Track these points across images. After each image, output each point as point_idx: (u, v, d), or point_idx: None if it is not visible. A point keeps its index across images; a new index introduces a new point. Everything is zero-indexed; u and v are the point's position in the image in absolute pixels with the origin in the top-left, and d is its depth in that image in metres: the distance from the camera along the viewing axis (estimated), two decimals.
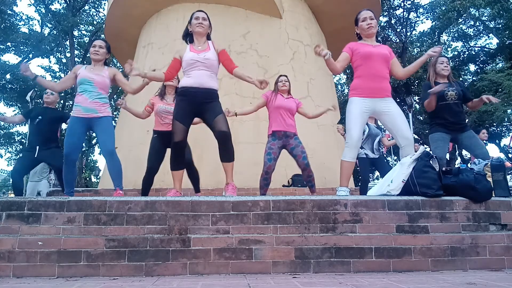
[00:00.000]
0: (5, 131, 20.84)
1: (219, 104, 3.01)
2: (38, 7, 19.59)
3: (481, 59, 19.64)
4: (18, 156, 19.97)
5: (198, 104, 2.95)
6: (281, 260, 2.15)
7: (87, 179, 22.47)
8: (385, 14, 17.45)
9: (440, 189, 2.40)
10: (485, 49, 19.92)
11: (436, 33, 19.16)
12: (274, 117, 3.82)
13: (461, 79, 18.41)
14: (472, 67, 20.02)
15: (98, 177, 21.39)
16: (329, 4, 8.15)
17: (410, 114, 13.69)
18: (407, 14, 19.35)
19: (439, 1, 18.20)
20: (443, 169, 2.61)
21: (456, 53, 20.20)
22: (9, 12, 18.55)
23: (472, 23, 19.35)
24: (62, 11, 19.26)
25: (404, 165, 2.58)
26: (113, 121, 3.40)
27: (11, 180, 4.39)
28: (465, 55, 19.84)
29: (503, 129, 17.13)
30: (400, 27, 19.62)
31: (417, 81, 17.49)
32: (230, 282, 1.86)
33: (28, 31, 19.94)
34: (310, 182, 3.74)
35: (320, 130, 7.26)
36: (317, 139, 7.01)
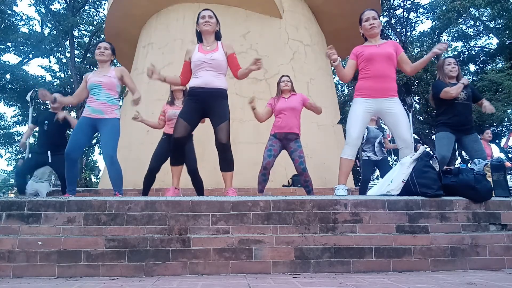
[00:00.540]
0: (5, 131, 20.85)
1: (226, 106, 3.00)
2: (38, 7, 19.59)
3: (481, 59, 19.64)
4: (20, 156, 20.01)
5: (205, 104, 2.95)
6: (281, 260, 2.15)
7: (87, 179, 22.46)
8: (385, 14, 17.46)
9: (440, 189, 2.40)
10: (485, 49, 19.93)
11: (436, 33, 19.15)
12: (277, 119, 3.87)
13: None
14: (472, 67, 20.03)
15: (98, 177, 21.38)
16: (329, 4, 8.14)
17: (410, 114, 13.67)
18: (407, 14, 19.36)
19: (439, 1, 18.19)
20: (443, 168, 2.62)
21: (456, 53, 20.19)
22: (9, 12, 18.55)
23: (472, 23, 19.35)
24: (62, 11, 19.26)
25: (404, 165, 2.59)
26: (119, 123, 3.39)
27: (15, 179, 4.42)
28: (465, 55, 19.84)
29: (503, 129, 17.13)
30: (400, 27, 19.63)
31: (417, 81, 17.49)
32: (230, 282, 1.86)
33: (28, 31, 19.95)
34: (307, 187, 3.76)
35: (320, 130, 7.26)
36: (317, 139, 7.01)
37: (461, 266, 2.20)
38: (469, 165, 2.93)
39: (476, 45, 20.09)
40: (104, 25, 9.77)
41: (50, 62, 21.58)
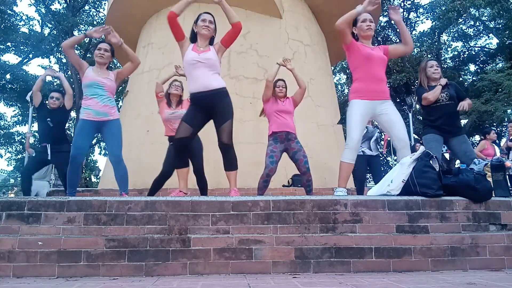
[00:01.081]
0: (5, 131, 20.85)
1: (229, 105, 2.99)
2: (38, 7, 19.59)
3: (481, 59, 19.64)
4: (20, 156, 20.01)
5: (208, 107, 2.96)
6: (281, 260, 2.15)
7: (87, 179, 22.46)
8: (385, 14, 17.43)
9: (440, 189, 2.40)
10: (485, 49, 19.92)
11: (436, 33, 19.14)
12: (274, 119, 3.89)
13: (461, 79, 18.42)
14: (472, 67, 20.03)
15: (98, 177, 21.38)
16: (329, 4, 8.15)
17: (410, 114, 13.67)
18: (407, 14, 19.34)
19: (439, 1, 18.18)
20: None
21: (456, 53, 20.20)
22: (9, 12, 18.55)
23: (472, 23, 19.34)
24: (62, 11, 19.25)
25: (404, 165, 2.59)
26: (121, 125, 3.43)
27: (21, 179, 4.40)
28: (465, 55, 19.84)
29: (503, 129, 17.12)
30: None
31: (417, 81, 17.46)
32: (230, 282, 1.86)
33: (28, 31, 19.94)
34: (308, 186, 3.79)
35: (320, 130, 7.26)
36: (317, 139, 7.01)
37: (461, 266, 2.20)
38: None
39: (476, 45, 20.10)
40: (104, 25, 9.76)
41: (50, 62, 21.59)
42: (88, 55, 18.79)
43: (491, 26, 18.42)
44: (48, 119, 4.16)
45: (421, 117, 18.99)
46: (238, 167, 3.04)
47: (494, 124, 16.16)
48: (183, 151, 3.01)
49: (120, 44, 3.34)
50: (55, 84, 19.07)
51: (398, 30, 3.18)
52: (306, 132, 6.79)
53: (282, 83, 4.02)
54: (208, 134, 3.21)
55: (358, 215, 2.26)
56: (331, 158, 6.71)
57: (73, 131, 19.13)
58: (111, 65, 3.61)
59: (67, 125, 4.54)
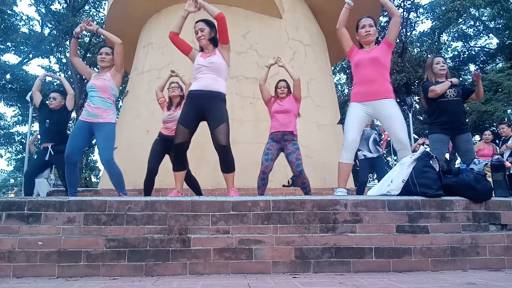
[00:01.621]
0: (5, 131, 20.85)
1: (224, 109, 3.02)
2: (38, 7, 19.59)
3: (481, 59, 19.65)
4: (20, 156, 20.00)
5: (202, 107, 2.98)
6: (281, 260, 2.14)
7: (87, 179, 22.46)
8: (385, 14, 17.42)
9: (440, 189, 2.40)
10: (485, 49, 19.94)
11: (436, 33, 19.16)
12: (272, 120, 3.95)
13: (461, 79, 18.41)
14: (472, 67, 20.03)
15: (98, 177, 21.38)
16: (329, 4, 8.14)
17: (410, 114, 13.66)
18: (407, 14, 19.34)
19: (439, 1, 18.19)
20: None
21: (456, 53, 20.21)
22: (9, 12, 18.56)
23: (472, 23, 19.36)
24: (62, 11, 19.25)
25: (404, 165, 2.59)
26: (115, 127, 3.44)
27: (24, 182, 4.39)
28: (465, 55, 19.85)
29: (499, 130, 17.13)
30: (400, 27, 19.62)
31: (417, 81, 17.49)
32: (230, 282, 1.86)
33: (28, 31, 19.96)
34: (304, 189, 3.78)
35: (320, 130, 7.26)
36: (317, 139, 7.01)
37: (461, 266, 2.20)
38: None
39: (476, 45, 20.12)
40: (104, 25, 9.77)
41: (50, 62, 21.62)
42: (88, 55, 18.80)
43: (491, 26, 18.43)
44: (47, 120, 4.16)
45: (421, 117, 19.01)
46: (235, 169, 3.05)
47: (494, 124, 16.16)
48: (182, 156, 3.05)
49: (97, 30, 3.41)
50: (55, 84, 19.08)
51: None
52: (306, 132, 6.79)
53: (284, 84, 4.01)
54: (208, 134, 3.21)
55: (358, 215, 2.26)
56: (331, 158, 6.71)
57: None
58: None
59: (68, 125, 4.52)
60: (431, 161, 2.51)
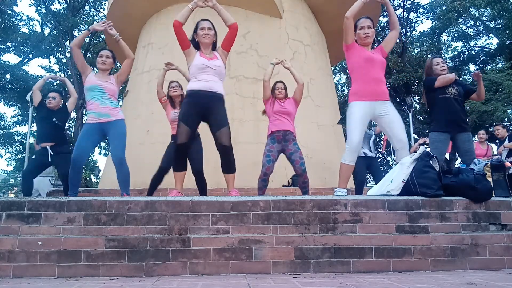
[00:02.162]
0: (5, 131, 20.85)
1: (224, 111, 3.04)
2: (38, 7, 19.59)
3: (481, 59, 19.65)
4: (20, 156, 19.99)
5: (204, 107, 2.98)
6: (281, 260, 2.14)
7: (87, 179, 22.45)
8: (385, 14, 17.42)
9: (440, 189, 2.40)
10: (485, 49, 19.94)
11: (436, 33, 19.16)
12: (272, 120, 3.93)
13: (461, 79, 18.42)
14: (472, 67, 20.02)
15: (98, 177, 21.37)
16: (329, 4, 8.14)
17: (410, 114, 13.66)
18: (407, 14, 19.34)
19: (439, 1, 18.20)
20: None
21: (456, 53, 20.21)
22: (9, 12, 18.56)
23: (472, 23, 19.36)
24: (62, 11, 19.25)
25: (404, 165, 2.59)
26: (125, 123, 3.45)
27: (22, 182, 4.37)
28: (465, 55, 19.85)
29: (494, 132, 17.14)
30: (400, 27, 19.61)
31: (417, 81, 17.49)
32: (230, 282, 1.86)
33: (28, 31, 19.95)
34: (304, 188, 3.80)
35: (320, 130, 7.26)
36: (317, 139, 7.01)
37: (461, 266, 2.20)
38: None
39: (476, 45, 20.12)
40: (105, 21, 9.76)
41: (50, 62, 21.61)
42: (88, 55, 18.80)
43: (491, 26, 18.44)
44: (46, 120, 4.14)
45: (421, 117, 19.01)
46: (236, 170, 3.05)
47: (494, 124, 16.16)
48: (183, 155, 3.04)
49: (117, 40, 3.41)
50: (55, 84, 19.09)
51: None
52: (306, 132, 6.78)
53: (281, 85, 4.03)
54: (208, 134, 3.21)
55: (358, 215, 2.26)
56: (331, 158, 6.71)
57: (72, 131, 19.14)
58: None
59: (66, 125, 4.51)
60: (431, 161, 2.51)
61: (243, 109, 6.71)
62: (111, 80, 3.45)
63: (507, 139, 5.99)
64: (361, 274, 2.08)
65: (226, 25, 3.02)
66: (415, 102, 18.10)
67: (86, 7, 20.47)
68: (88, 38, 19.94)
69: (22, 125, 20.94)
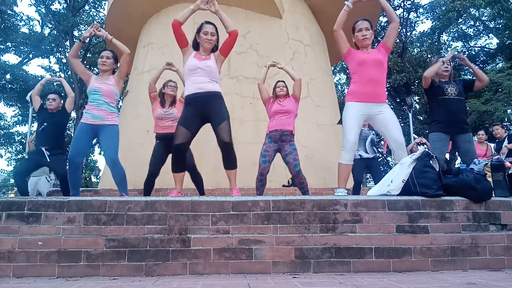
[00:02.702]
0: (5, 131, 20.84)
1: (224, 107, 3.04)
2: (38, 7, 19.59)
3: (481, 59, 19.65)
4: (20, 156, 19.98)
5: (203, 108, 2.99)
6: (281, 260, 2.14)
7: (87, 179, 22.44)
8: (385, 14, 17.46)
9: (440, 189, 2.40)
10: (485, 49, 19.94)
11: (436, 33, 19.15)
12: (271, 119, 3.97)
13: (461, 78, 18.39)
14: None
15: (98, 177, 21.37)
16: (329, 4, 8.14)
17: (410, 114, 13.66)
18: (407, 14, 19.34)
19: (439, 1, 18.20)
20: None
21: (456, 53, 20.17)
22: (9, 12, 18.55)
23: (472, 23, 19.36)
24: (62, 11, 19.25)
25: (404, 165, 2.59)
26: (118, 129, 3.49)
27: (14, 181, 4.36)
28: (465, 55, 19.82)
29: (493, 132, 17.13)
30: (400, 27, 19.60)
31: (417, 81, 17.49)
32: (230, 282, 1.86)
33: (28, 31, 19.95)
34: (302, 189, 3.81)
35: (320, 130, 7.26)
36: (317, 139, 7.01)
37: (461, 266, 2.20)
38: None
39: (476, 45, 20.12)
40: (104, 25, 9.76)
41: (50, 62, 21.60)
42: (88, 55, 18.80)
43: (491, 26, 18.43)
44: (46, 122, 4.14)
45: (421, 117, 19.01)
46: (237, 166, 3.06)
47: (494, 124, 16.15)
48: (181, 156, 3.03)
49: (110, 39, 3.43)
50: (55, 84, 19.09)
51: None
52: (306, 132, 6.78)
53: (282, 83, 4.08)
54: (208, 134, 3.21)
55: (358, 215, 2.26)
56: (331, 158, 6.71)
57: (73, 131, 19.13)
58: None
59: (66, 127, 4.51)
60: (431, 161, 2.51)
61: (243, 109, 6.71)
62: (109, 81, 3.45)
63: (506, 139, 5.99)
64: (361, 274, 2.08)
65: (227, 31, 3.03)
66: (415, 102, 18.11)
67: (86, 7, 20.47)
68: (88, 39, 19.96)
69: (22, 125, 20.94)
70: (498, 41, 18.09)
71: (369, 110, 3.04)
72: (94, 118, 3.34)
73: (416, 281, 1.82)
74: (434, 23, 19.02)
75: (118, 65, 3.61)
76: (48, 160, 4.04)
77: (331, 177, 6.13)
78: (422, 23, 42.66)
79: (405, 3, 19.08)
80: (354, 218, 2.26)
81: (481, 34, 19.68)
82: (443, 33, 19.72)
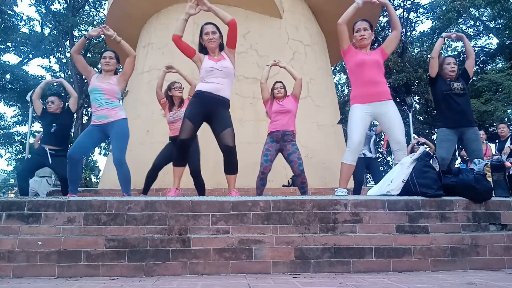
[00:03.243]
0: (5, 131, 20.84)
1: (229, 115, 3.07)
2: (38, 7, 19.58)
3: (481, 59, 19.63)
4: (20, 156, 19.98)
5: (210, 109, 3.02)
6: (281, 260, 2.14)
7: (87, 179, 22.44)
8: (385, 14, 17.43)
9: (440, 189, 2.40)
10: (485, 49, 19.92)
11: (436, 33, 19.13)
12: (272, 120, 3.97)
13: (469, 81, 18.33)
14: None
15: (98, 177, 21.36)
16: (329, 4, 8.14)
17: (410, 114, 13.63)
18: (407, 14, 19.33)
19: (439, 1, 18.18)
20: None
21: (456, 53, 20.18)
22: (9, 12, 18.55)
23: (472, 23, 19.34)
24: (62, 11, 19.25)
25: (404, 165, 2.59)
26: (127, 122, 3.50)
27: (17, 179, 4.36)
28: (465, 55, 19.80)
29: (498, 130, 17.11)
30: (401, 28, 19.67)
31: (417, 81, 17.49)
32: (230, 282, 1.86)
33: (29, 31, 19.94)
34: (303, 188, 3.82)
35: (320, 130, 7.26)
36: (317, 139, 7.01)
37: (461, 266, 2.20)
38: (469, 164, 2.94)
39: (476, 45, 20.08)
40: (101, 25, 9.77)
41: (50, 62, 21.58)
42: (88, 55, 18.79)
43: (491, 26, 18.42)
44: (53, 124, 4.13)
45: (421, 117, 19.00)
46: (238, 171, 3.08)
47: (494, 124, 16.14)
48: (185, 151, 3.05)
49: (118, 41, 3.44)
50: (55, 84, 19.09)
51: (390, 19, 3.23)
52: (306, 132, 6.78)
53: (280, 84, 4.08)
54: (208, 134, 3.21)
55: (358, 215, 2.26)
56: (331, 158, 6.71)
57: (73, 131, 19.13)
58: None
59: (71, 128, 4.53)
60: (431, 161, 2.51)
61: (243, 109, 6.71)
62: (111, 80, 3.46)
63: (509, 140, 5.95)
64: (361, 274, 2.08)
65: (225, 23, 3.03)
66: (415, 102, 18.10)
67: (86, 7, 20.45)
68: (88, 39, 19.95)
69: (22, 125, 20.93)
70: (498, 41, 18.08)
71: (375, 109, 3.06)
72: (99, 118, 3.35)
73: (416, 281, 1.82)
74: (434, 23, 19.01)
75: (120, 66, 3.62)
76: (50, 161, 4.04)
77: (331, 177, 6.14)
78: (422, 23, 42.67)
79: (405, 3, 19.08)
80: (354, 218, 2.26)
81: (481, 34, 19.67)
82: (443, 33, 19.70)
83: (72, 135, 18.28)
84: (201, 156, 4.06)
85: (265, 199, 2.26)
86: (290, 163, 3.82)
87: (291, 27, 7.69)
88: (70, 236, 2.13)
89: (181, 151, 3.04)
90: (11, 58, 55.18)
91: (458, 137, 3.59)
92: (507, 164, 2.81)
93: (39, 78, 18.96)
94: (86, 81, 3.61)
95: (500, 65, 17.53)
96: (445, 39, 3.85)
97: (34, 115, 12.82)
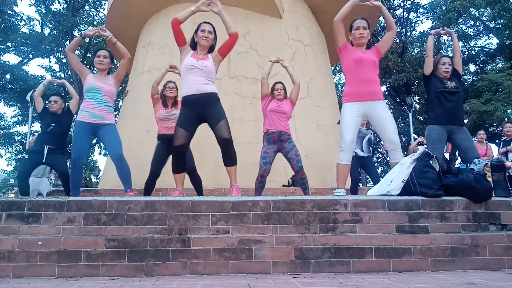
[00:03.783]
0: (5, 131, 20.83)
1: (221, 108, 3.06)
2: (38, 7, 19.59)
3: (481, 59, 19.63)
4: (20, 156, 19.98)
5: (200, 109, 3.02)
6: (281, 260, 2.14)
7: (87, 179, 22.45)
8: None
9: (440, 189, 2.40)
10: (485, 49, 19.92)
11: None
12: (267, 118, 3.96)
13: (461, 78, 18.37)
14: (472, 67, 20.00)
15: (98, 177, 21.37)
16: (329, 4, 8.14)
17: (410, 114, 13.64)
18: (407, 14, 19.34)
19: (439, 1, 18.19)
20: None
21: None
22: (9, 12, 18.55)
23: (472, 23, 19.33)
24: (62, 11, 19.25)
25: (404, 165, 2.59)
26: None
27: (18, 180, 4.35)
28: (465, 55, 19.82)
29: (504, 129, 17.11)
30: (400, 27, 19.61)
31: (417, 81, 17.49)
32: (230, 282, 1.86)
33: (29, 31, 19.94)
34: (303, 185, 3.84)
35: (320, 130, 7.26)
36: (317, 139, 7.01)
37: (461, 266, 2.20)
38: (468, 164, 2.93)
39: (476, 45, 20.09)
40: (104, 25, 9.76)
41: (50, 62, 21.58)
42: (88, 55, 18.81)
43: (491, 26, 18.41)
44: (53, 124, 4.14)
45: (421, 117, 19.00)
46: (238, 167, 3.07)
47: (494, 124, 16.15)
48: (182, 157, 3.06)
49: (114, 42, 3.48)
50: (55, 84, 19.08)
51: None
52: (306, 132, 6.79)
53: (280, 86, 4.07)
54: (208, 133, 3.21)
55: (358, 215, 2.26)
56: (331, 158, 6.70)
57: (71, 131, 19.13)
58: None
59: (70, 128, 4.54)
60: (431, 161, 2.51)
61: (243, 109, 6.71)
62: (110, 81, 3.50)
63: None
64: (361, 274, 2.08)
65: (228, 33, 3.06)
66: (415, 102, 18.11)
67: (86, 7, 20.46)
68: (88, 39, 19.97)
69: (22, 125, 20.91)
70: (498, 41, 18.08)
71: (366, 109, 3.06)
72: (94, 117, 3.36)
73: (416, 281, 1.82)
74: (434, 23, 18.99)
75: (113, 66, 3.64)
76: (45, 159, 4.04)
77: (331, 177, 6.13)
78: (422, 23, 42.68)
79: (405, 3, 19.09)
80: (354, 218, 2.26)
81: (481, 34, 19.66)
82: (432, 30, 19.68)
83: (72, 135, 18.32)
84: (200, 157, 4.06)
85: (265, 199, 2.26)
86: (289, 160, 3.85)
87: (291, 27, 7.69)
88: (70, 236, 2.13)
89: (178, 158, 3.05)
90: (11, 58, 55.27)
91: (448, 135, 3.59)
92: (507, 164, 2.81)
93: (39, 78, 18.96)
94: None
95: (500, 65, 17.52)
96: (435, 36, 3.86)
97: (34, 115, 12.82)
